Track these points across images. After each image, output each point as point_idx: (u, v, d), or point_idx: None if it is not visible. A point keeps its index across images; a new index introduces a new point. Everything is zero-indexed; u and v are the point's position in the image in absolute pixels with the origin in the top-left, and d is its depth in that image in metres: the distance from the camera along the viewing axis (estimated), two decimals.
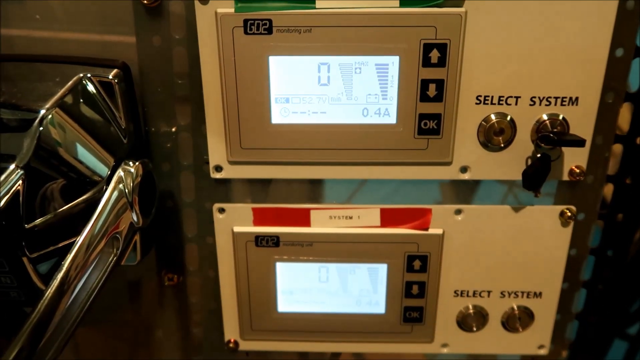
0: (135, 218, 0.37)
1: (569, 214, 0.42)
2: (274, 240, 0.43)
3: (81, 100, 0.36)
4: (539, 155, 0.38)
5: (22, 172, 0.33)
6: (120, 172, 0.36)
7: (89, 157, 0.36)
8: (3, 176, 0.32)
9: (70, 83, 0.36)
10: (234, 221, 0.43)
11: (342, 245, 0.43)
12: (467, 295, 0.45)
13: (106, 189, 0.36)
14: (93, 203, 0.35)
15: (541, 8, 0.35)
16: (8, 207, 0.32)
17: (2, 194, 0.32)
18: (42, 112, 0.34)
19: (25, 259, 0.34)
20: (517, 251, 0.43)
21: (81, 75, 0.36)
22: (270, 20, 0.35)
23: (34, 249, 0.34)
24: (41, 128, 0.33)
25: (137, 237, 0.41)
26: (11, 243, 0.33)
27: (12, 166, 0.33)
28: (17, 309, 0.37)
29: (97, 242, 0.34)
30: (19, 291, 0.35)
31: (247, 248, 0.43)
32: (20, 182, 0.33)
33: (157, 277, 0.46)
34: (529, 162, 0.39)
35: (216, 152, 0.40)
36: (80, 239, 0.33)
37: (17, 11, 0.37)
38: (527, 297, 0.45)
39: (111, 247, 0.36)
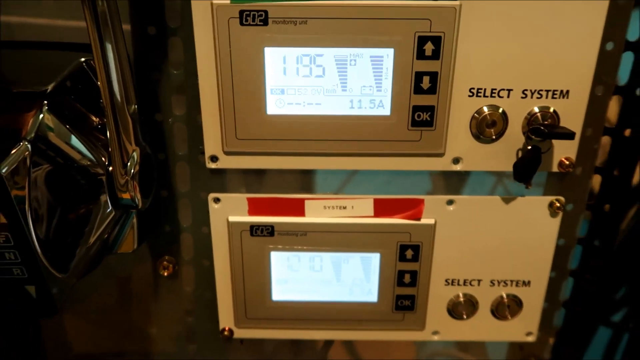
0: (136, 201, 0.37)
1: (558, 204, 0.42)
2: (268, 230, 0.43)
3: (78, 84, 0.36)
4: (529, 147, 0.39)
5: (29, 145, 0.32)
6: None
7: (82, 143, 0.36)
8: (14, 150, 0.32)
9: (70, 68, 0.36)
10: (230, 211, 0.43)
11: (335, 234, 0.43)
12: (458, 284, 0.45)
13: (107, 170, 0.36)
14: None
15: (534, 3, 0.36)
16: (14, 172, 0.31)
17: (10, 160, 0.31)
18: (45, 94, 0.33)
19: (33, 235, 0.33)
20: (507, 241, 0.44)
21: (82, 60, 0.36)
22: (266, 12, 0.35)
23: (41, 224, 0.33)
24: (42, 113, 0.33)
25: (134, 223, 0.41)
26: (16, 215, 0.32)
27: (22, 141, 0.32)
28: (18, 287, 0.35)
29: None
30: (22, 268, 0.34)
31: (242, 237, 0.43)
32: (27, 152, 0.32)
33: (152, 267, 0.46)
34: (520, 154, 0.40)
35: (212, 142, 0.40)
36: None
37: None
38: (516, 285, 0.45)
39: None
